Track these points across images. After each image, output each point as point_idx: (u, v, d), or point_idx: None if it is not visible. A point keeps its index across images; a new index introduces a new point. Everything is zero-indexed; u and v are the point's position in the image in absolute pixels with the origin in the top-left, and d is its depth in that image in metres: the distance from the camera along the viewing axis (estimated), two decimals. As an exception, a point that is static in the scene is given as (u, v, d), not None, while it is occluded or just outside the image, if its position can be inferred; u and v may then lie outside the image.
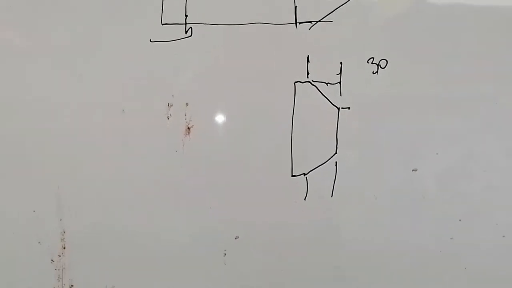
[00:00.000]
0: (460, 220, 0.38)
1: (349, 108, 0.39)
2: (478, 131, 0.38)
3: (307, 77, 0.39)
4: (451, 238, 0.40)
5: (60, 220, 0.36)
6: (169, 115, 0.37)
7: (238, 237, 0.39)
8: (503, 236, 0.38)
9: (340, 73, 0.39)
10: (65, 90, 0.36)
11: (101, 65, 0.36)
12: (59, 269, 0.36)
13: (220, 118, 0.38)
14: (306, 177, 0.39)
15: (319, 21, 0.39)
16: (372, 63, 0.39)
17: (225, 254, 0.38)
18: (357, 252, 0.40)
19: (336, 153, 0.39)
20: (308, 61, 0.39)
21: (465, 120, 0.38)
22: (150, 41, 0.37)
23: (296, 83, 0.38)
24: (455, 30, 0.40)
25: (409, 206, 0.40)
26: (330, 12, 0.39)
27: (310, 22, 0.39)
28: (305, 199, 0.39)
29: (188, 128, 0.37)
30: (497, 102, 0.38)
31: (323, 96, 0.39)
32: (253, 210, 0.39)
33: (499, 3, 0.40)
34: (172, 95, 0.37)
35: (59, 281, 0.36)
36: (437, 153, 0.38)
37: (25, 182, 0.35)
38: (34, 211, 0.36)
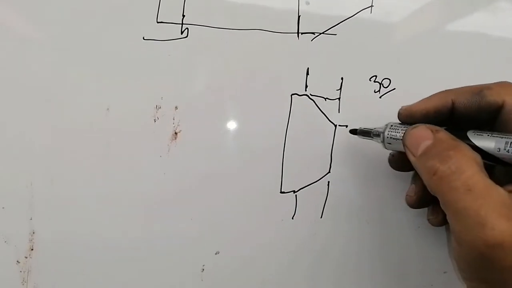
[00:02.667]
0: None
1: (346, 126, 0.37)
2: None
3: (305, 90, 0.37)
4: (445, 272, 0.38)
5: (31, 219, 0.34)
6: (156, 118, 0.35)
7: (218, 253, 0.36)
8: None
9: (340, 88, 0.37)
10: (46, 82, 0.34)
11: (88, 58, 0.34)
12: (24, 272, 0.34)
13: (209, 126, 0.36)
14: (296, 195, 0.37)
15: (323, 33, 0.37)
16: (374, 81, 0.37)
17: (203, 269, 0.36)
18: (342, 278, 0.38)
19: (329, 172, 0.37)
20: (307, 73, 0.37)
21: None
22: (143, 38, 0.35)
23: (293, 95, 0.37)
24: (463, 56, 0.38)
25: (402, 236, 0.38)
26: (334, 24, 0.37)
27: (313, 33, 0.37)
28: (292, 218, 0.37)
29: (175, 133, 0.35)
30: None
31: (320, 112, 0.37)
32: (237, 225, 0.36)
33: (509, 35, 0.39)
34: (161, 97, 0.35)
35: (23, 284, 0.34)
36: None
37: (-3, 175, 0.33)
38: (3, 208, 0.33)
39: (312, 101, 0.37)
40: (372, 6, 0.37)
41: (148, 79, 0.35)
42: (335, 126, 0.37)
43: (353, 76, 0.37)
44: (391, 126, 0.31)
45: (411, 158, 0.28)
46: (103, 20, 0.35)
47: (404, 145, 0.29)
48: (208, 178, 0.36)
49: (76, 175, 0.34)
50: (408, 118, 0.30)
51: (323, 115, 0.37)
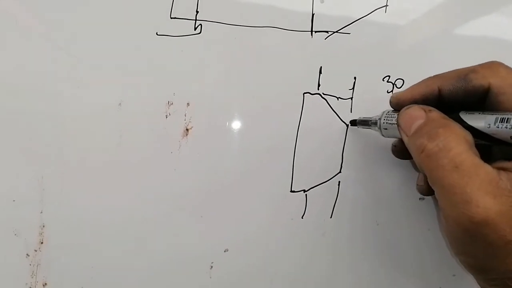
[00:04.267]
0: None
1: (358, 126, 0.37)
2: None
3: (318, 89, 0.37)
4: (454, 275, 0.38)
5: (41, 213, 0.34)
6: (168, 114, 0.35)
7: (227, 250, 0.36)
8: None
9: (353, 88, 0.37)
10: (60, 76, 0.34)
11: (101, 53, 0.34)
12: (33, 265, 0.34)
13: (221, 123, 0.36)
14: (306, 194, 0.37)
15: (336, 31, 0.37)
16: (387, 81, 0.37)
17: (211, 266, 0.36)
18: (351, 278, 0.38)
19: (340, 172, 0.37)
20: (320, 72, 0.37)
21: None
22: (157, 34, 0.35)
23: (305, 94, 0.36)
24: (476, 58, 0.38)
25: (412, 237, 0.37)
26: (348, 23, 0.37)
27: (327, 32, 0.37)
28: (302, 217, 0.37)
29: (187, 129, 0.35)
30: None
31: (332, 111, 0.37)
32: (246, 223, 0.36)
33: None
34: (174, 93, 0.35)
35: (32, 277, 0.34)
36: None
37: (8, 168, 0.33)
38: (14, 200, 0.34)
39: (324, 100, 0.37)
40: (386, 5, 0.37)
41: (161, 75, 0.35)
42: (347, 125, 0.37)
43: (366, 76, 0.37)
44: (387, 112, 0.31)
45: (405, 139, 0.28)
46: (117, 16, 0.34)
47: (398, 126, 0.29)
48: (218, 175, 0.36)
49: (87, 170, 0.34)
50: (397, 106, 0.31)
51: (335, 114, 0.37)
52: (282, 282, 0.37)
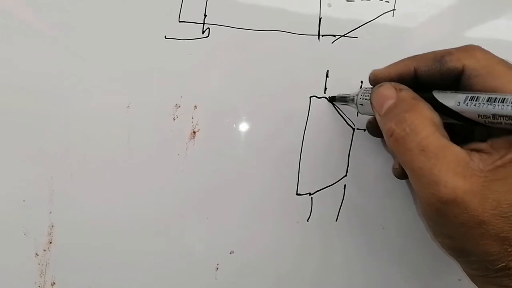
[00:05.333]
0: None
1: (365, 130, 0.37)
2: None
3: (324, 93, 0.37)
4: (459, 280, 0.38)
5: (50, 213, 0.34)
6: (175, 117, 0.35)
7: (233, 252, 0.37)
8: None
9: (360, 92, 0.37)
10: (69, 78, 0.34)
11: (110, 56, 0.35)
12: (42, 264, 0.35)
13: (227, 125, 0.36)
14: (312, 197, 0.37)
15: (344, 35, 0.37)
16: (394, 85, 0.37)
17: (217, 268, 0.36)
18: (356, 281, 0.38)
19: (346, 175, 0.37)
20: (327, 76, 0.37)
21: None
22: (165, 37, 0.35)
23: (311, 98, 0.37)
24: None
25: (417, 242, 0.38)
26: (356, 27, 0.37)
27: (334, 35, 0.37)
28: (308, 220, 0.37)
29: (194, 132, 0.36)
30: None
31: (338, 114, 0.37)
32: (252, 225, 0.37)
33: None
34: (181, 96, 0.35)
35: (41, 277, 0.35)
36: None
37: (18, 169, 0.34)
38: (23, 201, 0.34)
39: (331, 104, 0.37)
40: (394, 9, 0.37)
41: (169, 78, 0.35)
42: (353, 129, 0.37)
43: (373, 80, 0.37)
44: (364, 89, 0.32)
45: (377, 118, 0.28)
46: (126, 19, 0.35)
47: (371, 104, 0.29)
48: (225, 178, 0.36)
49: (96, 171, 0.35)
50: (374, 82, 0.31)
51: (342, 118, 0.37)
52: (287, 284, 0.37)
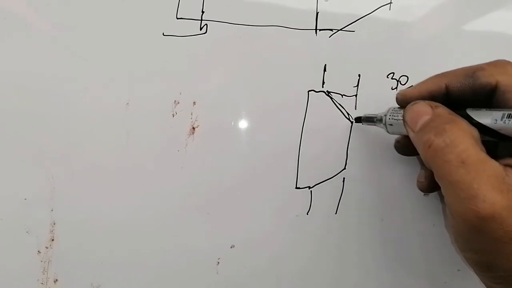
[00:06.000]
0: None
1: (363, 123, 0.37)
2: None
3: (322, 87, 0.37)
4: (458, 270, 0.38)
5: (52, 211, 0.35)
6: (175, 113, 0.35)
7: (234, 246, 0.37)
8: None
9: (357, 85, 0.37)
10: (68, 75, 0.34)
11: (108, 53, 0.35)
12: (45, 262, 0.35)
13: (226, 121, 0.36)
14: (311, 191, 0.37)
15: (341, 29, 0.37)
16: (392, 78, 0.37)
17: (218, 262, 0.37)
18: (355, 273, 0.38)
19: (344, 168, 0.37)
20: (325, 70, 0.37)
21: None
22: (163, 34, 0.35)
23: (310, 92, 0.37)
24: (482, 55, 0.38)
25: (416, 233, 0.38)
26: (353, 21, 0.37)
27: (331, 30, 0.37)
28: (307, 214, 0.37)
29: (193, 128, 0.36)
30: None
31: (337, 108, 0.37)
32: (252, 220, 0.37)
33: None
34: (180, 93, 0.36)
35: (44, 273, 0.35)
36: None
37: (19, 168, 0.34)
38: (25, 199, 0.34)
39: (329, 98, 0.37)
40: (391, 3, 0.37)
41: (167, 75, 0.35)
42: (352, 122, 0.37)
43: (371, 73, 0.37)
44: (393, 109, 0.32)
45: (411, 134, 0.28)
46: (124, 17, 0.35)
47: (404, 121, 0.29)
48: (224, 173, 0.36)
49: (95, 169, 0.35)
50: (404, 103, 0.31)
51: (340, 111, 0.37)
52: (288, 277, 0.38)
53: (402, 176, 0.38)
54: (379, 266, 0.38)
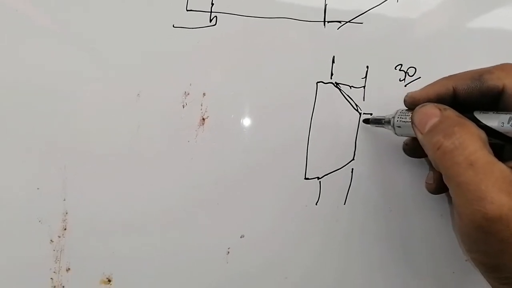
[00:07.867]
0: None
1: (371, 114, 0.37)
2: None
3: (331, 78, 0.37)
4: (466, 260, 0.38)
5: (64, 200, 0.35)
6: (185, 104, 0.36)
7: (243, 236, 0.37)
8: None
9: (366, 77, 0.37)
10: (80, 68, 0.35)
11: (120, 46, 0.35)
12: (57, 251, 0.35)
13: (236, 111, 0.36)
14: (320, 181, 0.37)
15: (349, 21, 0.37)
16: (400, 70, 0.38)
17: (228, 252, 0.37)
18: (364, 264, 0.38)
19: (353, 159, 0.38)
20: (333, 61, 0.37)
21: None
22: (173, 26, 0.36)
23: (318, 83, 0.37)
24: (489, 49, 0.38)
25: (424, 224, 0.38)
26: (361, 13, 0.37)
27: (339, 22, 0.37)
28: (316, 204, 0.38)
29: (203, 119, 0.36)
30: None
31: (345, 99, 0.37)
32: (262, 210, 0.37)
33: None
34: (190, 84, 0.36)
35: (56, 262, 0.35)
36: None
37: (33, 158, 0.35)
38: (38, 188, 0.35)
39: (337, 89, 0.37)
40: (398, -5, 0.38)
41: (177, 66, 0.36)
42: (360, 114, 0.37)
43: (379, 65, 0.37)
44: (401, 111, 0.32)
45: (419, 136, 0.28)
46: (135, 9, 0.35)
47: (412, 123, 0.29)
48: (234, 163, 0.37)
49: (107, 159, 0.36)
50: (412, 105, 0.31)
51: (348, 103, 0.37)
52: (297, 266, 0.38)
53: (411, 166, 0.38)
54: (386, 255, 0.38)
